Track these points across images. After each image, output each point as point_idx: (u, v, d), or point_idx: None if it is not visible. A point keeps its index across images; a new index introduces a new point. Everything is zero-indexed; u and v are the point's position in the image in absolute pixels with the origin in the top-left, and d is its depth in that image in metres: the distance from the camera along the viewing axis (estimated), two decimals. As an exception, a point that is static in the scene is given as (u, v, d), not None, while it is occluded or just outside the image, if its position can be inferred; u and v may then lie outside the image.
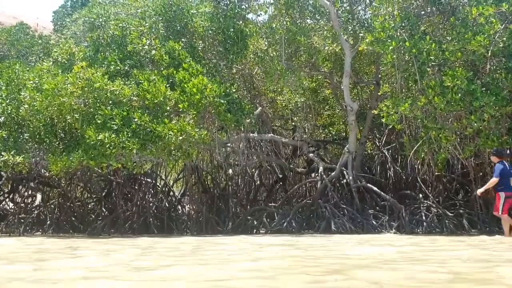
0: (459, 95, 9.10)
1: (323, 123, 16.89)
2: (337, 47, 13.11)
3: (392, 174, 14.15)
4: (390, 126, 12.23)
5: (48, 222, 14.26)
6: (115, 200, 14.91)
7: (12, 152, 10.79)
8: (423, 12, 10.94)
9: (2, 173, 14.46)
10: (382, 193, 12.20)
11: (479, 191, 10.04)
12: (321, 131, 17.32)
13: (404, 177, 13.77)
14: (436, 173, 12.08)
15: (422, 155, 10.24)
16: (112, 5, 13.53)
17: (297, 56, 13.30)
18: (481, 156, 10.87)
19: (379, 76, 13.51)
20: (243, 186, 16.05)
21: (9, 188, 16.24)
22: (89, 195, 15.97)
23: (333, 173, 12.60)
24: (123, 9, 13.10)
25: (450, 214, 11.61)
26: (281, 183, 16.19)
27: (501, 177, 9.48)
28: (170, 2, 12.10)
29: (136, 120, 10.22)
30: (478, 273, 4.05)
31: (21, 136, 11.45)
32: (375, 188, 12.25)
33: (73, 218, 14.75)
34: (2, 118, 11.49)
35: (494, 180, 9.51)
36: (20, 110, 11.03)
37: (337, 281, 3.63)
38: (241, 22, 12.47)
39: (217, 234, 12.40)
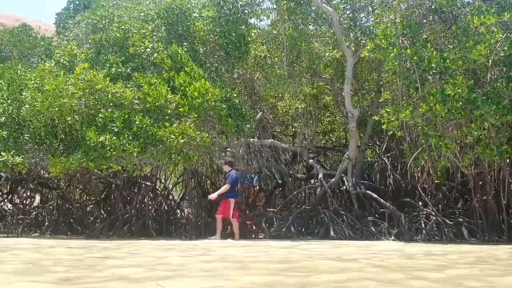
0: (460, 103, 9.09)
1: (324, 129, 16.90)
2: (339, 53, 13.12)
3: (391, 182, 14.13)
4: (390, 133, 12.26)
5: (46, 224, 14.20)
6: (114, 203, 14.84)
7: (12, 153, 10.78)
8: (425, 21, 10.97)
9: (2, 173, 14.44)
10: (382, 200, 12.19)
11: (212, 196, 11.15)
12: (321, 137, 17.31)
13: (403, 185, 13.76)
14: (436, 181, 12.06)
15: (422, 163, 10.24)
16: (115, 8, 13.56)
17: (298, 62, 13.31)
18: (481, 165, 10.85)
19: (380, 83, 13.52)
20: (242, 191, 16.00)
21: (8, 189, 16.21)
22: (88, 197, 15.91)
23: (332, 180, 12.58)
24: (126, 12, 13.12)
25: (450, 222, 11.59)
26: (280, 188, 16.16)
27: (232, 184, 10.58)
28: (173, 6, 12.13)
29: (137, 122, 10.22)
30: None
31: (21, 137, 11.43)
32: (374, 195, 12.24)
33: (72, 220, 14.69)
34: (3, 118, 11.47)
35: (227, 187, 10.64)
36: (21, 111, 11.03)
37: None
38: (243, 27, 12.47)
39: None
